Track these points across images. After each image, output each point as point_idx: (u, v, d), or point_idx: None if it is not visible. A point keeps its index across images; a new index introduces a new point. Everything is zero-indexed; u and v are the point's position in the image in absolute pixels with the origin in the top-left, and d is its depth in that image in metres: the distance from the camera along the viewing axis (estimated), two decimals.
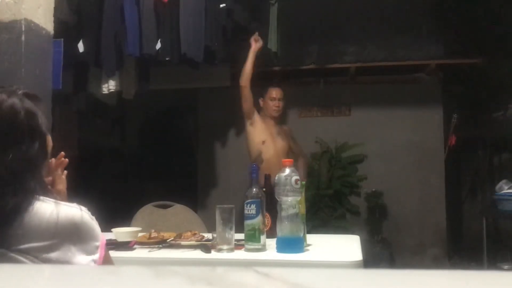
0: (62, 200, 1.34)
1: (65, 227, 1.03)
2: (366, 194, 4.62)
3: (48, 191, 1.11)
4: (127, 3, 3.27)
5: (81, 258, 1.04)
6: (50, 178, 1.42)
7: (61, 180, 1.45)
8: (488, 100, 4.28)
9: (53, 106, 2.25)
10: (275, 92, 3.52)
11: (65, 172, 1.48)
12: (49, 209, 1.03)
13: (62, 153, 1.45)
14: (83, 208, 1.09)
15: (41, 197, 1.04)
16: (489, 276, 0.54)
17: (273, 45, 3.80)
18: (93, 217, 1.11)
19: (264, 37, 3.78)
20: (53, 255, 1.01)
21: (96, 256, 1.08)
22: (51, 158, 1.42)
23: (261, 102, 3.58)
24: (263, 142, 3.52)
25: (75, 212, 1.06)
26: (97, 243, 1.09)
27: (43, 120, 1.11)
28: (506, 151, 4.24)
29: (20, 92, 1.09)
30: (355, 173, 4.63)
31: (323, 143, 4.70)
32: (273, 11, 3.80)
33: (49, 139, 1.14)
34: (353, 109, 4.93)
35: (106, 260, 1.12)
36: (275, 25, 3.78)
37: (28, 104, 1.08)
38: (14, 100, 1.06)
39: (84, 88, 3.71)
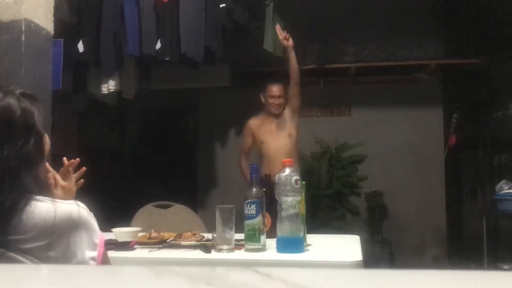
0: (70, 198, 1.36)
1: (63, 224, 1.03)
2: (366, 194, 4.63)
3: (45, 189, 1.11)
4: (127, 3, 3.27)
5: (80, 255, 1.04)
6: (50, 175, 1.43)
7: (70, 178, 1.48)
8: (488, 100, 4.28)
9: (53, 106, 2.25)
10: (275, 89, 3.42)
11: (82, 181, 1.53)
12: (46, 207, 1.03)
13: (78, 159, 1.52)
14: (81, 204, 1.09)
15: (38, 197, 1.05)
16: (489, 276, 0.54)
17: (269, 46, 3.78)
18: (91, 214, 1.11)
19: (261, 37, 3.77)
20: (52, 253, 1.01)
21: (95, 254, 1.08)
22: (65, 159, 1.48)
23: (262, 98, 3.51)
24: (262, 143, 3.51)
25: (73, 208, 1.06)
26: (96, 240, 1.09)
27: (40, 119, 1.12)
28: (506, 151, 4.24)
29: (17, 91, 1.10)
30: (355, 173, 4.63)
31: (323, 143, 4.70)
32: (269, 11, 3.79)
33: (47, 138, 1.15)
34: (353, 109, 4.93)
35: (105, 259, 1.12)
36: (271, 26, 3.77)
37: (25, 103, 1.09)
38: (11, 100, 1.07)
39: (84, 88, 3.71)
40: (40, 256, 1.01)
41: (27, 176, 1.05)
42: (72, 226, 1.04)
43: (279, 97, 3.42)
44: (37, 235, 1.01)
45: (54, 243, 1.02)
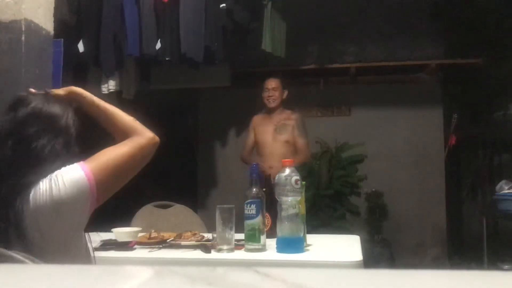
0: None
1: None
2: (366, 194, 4.62)
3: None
4: (127, 3, 3.27)
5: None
6: None
7: None
8: (488, 100, 4.28)
9: None
10: (268, 83, 3.49)
11: None
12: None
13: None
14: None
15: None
16: (489, 276, 0.54)
17: (267, 46, 3.78)
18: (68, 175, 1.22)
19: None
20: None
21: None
22: None
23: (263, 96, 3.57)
24: (257, 142, 3.55)
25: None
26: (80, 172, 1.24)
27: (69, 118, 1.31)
28: (506, 151, 4.24)
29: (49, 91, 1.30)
30: (355, 173, 4.62)
31: (323, 143, 4.69)
32: (267, 11, 3.79)
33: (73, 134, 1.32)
34: (353, 109, 4.93)
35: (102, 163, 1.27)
36: (269, 26, 3.77)
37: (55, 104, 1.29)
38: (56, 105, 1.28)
39: (84, 88, 3.71)
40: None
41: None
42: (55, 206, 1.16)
43: (273, 89, 3.47)
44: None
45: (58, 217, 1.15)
